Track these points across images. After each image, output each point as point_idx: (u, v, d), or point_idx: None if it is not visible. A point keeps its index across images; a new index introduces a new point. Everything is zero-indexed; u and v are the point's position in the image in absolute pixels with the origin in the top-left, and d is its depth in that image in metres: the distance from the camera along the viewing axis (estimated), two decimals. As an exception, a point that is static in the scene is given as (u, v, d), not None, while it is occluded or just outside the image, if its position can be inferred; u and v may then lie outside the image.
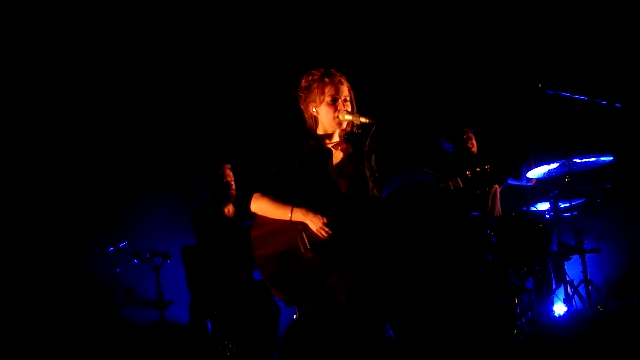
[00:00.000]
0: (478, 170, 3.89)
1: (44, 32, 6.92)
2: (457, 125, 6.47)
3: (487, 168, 3.90)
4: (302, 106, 4.18)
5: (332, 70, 4.13)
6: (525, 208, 6.66)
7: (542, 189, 6.75)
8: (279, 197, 4.07)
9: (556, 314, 6.10)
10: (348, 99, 4.09)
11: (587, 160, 6.28)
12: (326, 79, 4.07)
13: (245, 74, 7.60)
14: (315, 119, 4.16)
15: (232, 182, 6.64)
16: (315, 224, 3.92)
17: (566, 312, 6.04)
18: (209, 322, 6.16)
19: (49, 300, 6.67)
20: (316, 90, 4.08)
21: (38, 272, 6.73)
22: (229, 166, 6.68)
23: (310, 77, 4.13)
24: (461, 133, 6.42)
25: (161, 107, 7.55)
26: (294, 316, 6.08)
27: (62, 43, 7.03)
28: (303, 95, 4.15)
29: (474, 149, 6.42)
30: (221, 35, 7.53)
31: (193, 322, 6.34)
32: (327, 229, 3.89)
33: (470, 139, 6.42)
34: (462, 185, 3.88)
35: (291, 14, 7.45)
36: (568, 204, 6.44)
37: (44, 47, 6.99)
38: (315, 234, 3.93)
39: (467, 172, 3.91)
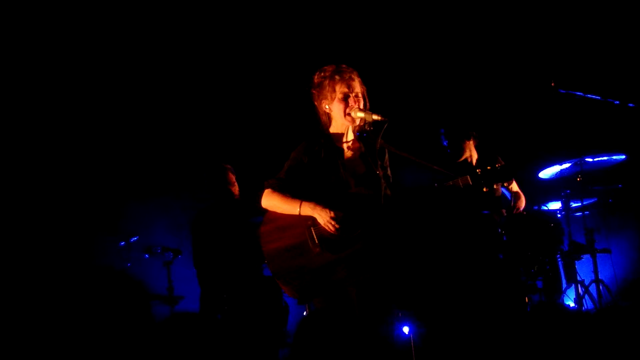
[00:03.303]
0: (488, 169, 3.89)
1: (64, 34, 6.96)
2: (462, 127, 6.34)
3: (498, 166, 3.90)
4: (315, 103, 4.19)
5: (343, 66, 4.12)
6: (536, 207, 6.64)
7: (554, 188, 6.73)
8: (289, 193, 4.08)
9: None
10: (360, 95, 4.09)
11: (599, 159, 6.27)
12: (337, 76, 4.07)
13: (254, 72, 7.61)
14: (329, 116, 4.17)
15: (236, 186, 6.60)
16: (322, 217, 3.92)
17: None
18: (219, 318, 6.17)
19: (61, 294, 6.69)
20: (327, 88, 4.08)
21: (50, 266, 6.76)
22: (230, 168, 6.61)
23: (322, 74, 4.13)
24: (462, 136, 6.28)
25: (173, 108, 7.58)
26: (304, 313, 6.09)
27: (75, 47, 7.07)
28: (316, 93, 4.15)
29: (465, 157, 6.30)
30: (226, 34, 7.54)
31: (203, 317, 6.36)
32: (334, 223, 3.89)
33: (466, 147, 6.30)
34: (471, 183, 3.88)
35: (298, 13, 7.45)
36: (579, 204, 6.43)
37: (61, 53, 7.04)
38: (324, 228, 3.93)
39: (478, 170, 3.91)
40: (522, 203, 6.40)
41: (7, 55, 6.82)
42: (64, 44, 7.03)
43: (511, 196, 6.53)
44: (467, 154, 6.28)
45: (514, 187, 6.49)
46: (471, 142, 6.28)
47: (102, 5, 7.04)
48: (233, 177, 6.59)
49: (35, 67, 6.97)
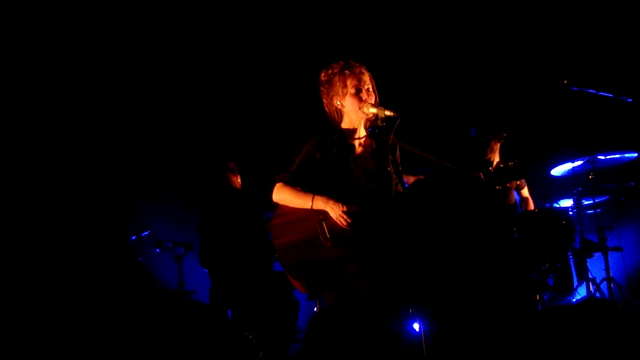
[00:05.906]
0: (501, 166, 3.89)
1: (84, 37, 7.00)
2: (494, 127, 6.41)
3: (510, 164, 3.90)
4: (324, 100, 4.17)
5: (352, 61, 4.11)
6: (548, 204, 6.64)
7: (566, 185, 6.72)
8: (300, 187, 4.08)
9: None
10: (371, 88, 4.09)
11: (611, 157, 6.26)
12: (347, 71, 4.06)
13: (261, 67, 7.62)
14: (340, 112, 4.15)
15: (239, 182, 6.63)
16: (335, 211, 3.91)
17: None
18: (229, 313, 6.19)
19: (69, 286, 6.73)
20: (338, 83, 4.06)
21: (61, 261, 6.79)
22: (233, 167, 6.64)
23: (330, 71, 4.12)
24: (493, 134, 6.36)
25: (184, 105, 7.62)
26: (315, 309, 6.10)
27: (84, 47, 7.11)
28: (325, 90, 4.14)
29: (489, 157, 6.34)
30: (230, 33, 7.56)
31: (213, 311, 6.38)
32: (346, 217, 3.89)
33: (492, 146, 6.35)
34: (484, 180, 3.88)
35: (319, 7, 7.45)
36: (591, 201, 6.42)
37: (76, 53, 7.08)
38: (335, 222, 3.92)
39: (490, 168, 3.91)
40: (530, 209, 6.43)
41: (25, 58, 6.87)
42: (76, 46, 7.08)
43: (520, 201, 6.56)
44: (490, 154, 6.32)
45: (525, 192, 6.51)
46: (498, 144, 6.34)
47: (108, 5, 7.07)
48: (237, 179, 6.62)
49: (50, 72, 7.01)
